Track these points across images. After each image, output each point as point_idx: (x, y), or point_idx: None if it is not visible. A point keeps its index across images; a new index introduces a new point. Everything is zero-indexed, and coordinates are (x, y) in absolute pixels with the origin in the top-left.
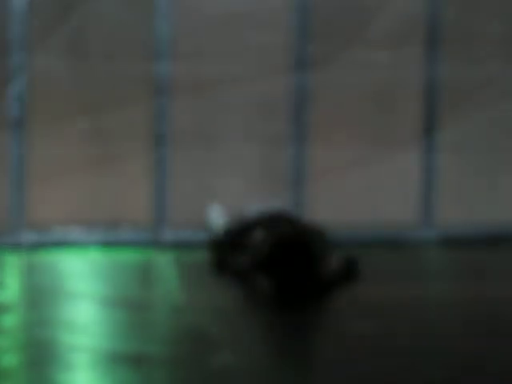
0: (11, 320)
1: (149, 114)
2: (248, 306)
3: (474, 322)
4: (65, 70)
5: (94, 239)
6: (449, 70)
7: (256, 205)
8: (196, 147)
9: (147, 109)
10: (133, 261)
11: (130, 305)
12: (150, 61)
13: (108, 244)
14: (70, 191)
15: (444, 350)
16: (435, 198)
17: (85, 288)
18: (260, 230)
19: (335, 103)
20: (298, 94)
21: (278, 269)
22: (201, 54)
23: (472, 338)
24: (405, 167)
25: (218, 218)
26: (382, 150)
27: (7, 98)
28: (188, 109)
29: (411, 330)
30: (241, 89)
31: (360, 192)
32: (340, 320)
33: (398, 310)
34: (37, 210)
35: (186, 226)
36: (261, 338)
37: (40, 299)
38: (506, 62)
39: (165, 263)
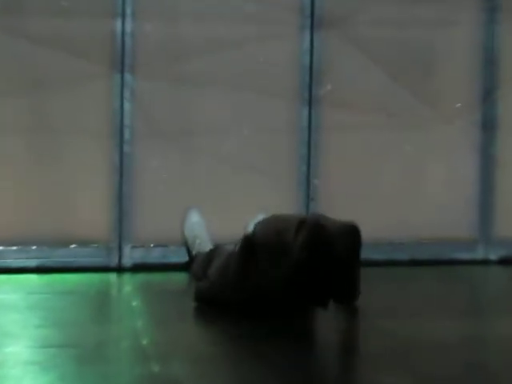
0: None
1: (107, 93)
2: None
3: None
4: None
5: (33, 263)
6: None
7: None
8: (172, 140)
9: (106, 86)
10: (85, 289)
11: (80, 350)
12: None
13: (51, 269)
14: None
15: None
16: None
17: (19, 326)
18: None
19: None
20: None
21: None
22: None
23: None
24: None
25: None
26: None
27: None
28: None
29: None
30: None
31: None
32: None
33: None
34: None
35: (155, 245)
36: None
37: None
38: None
39: (127, 292)
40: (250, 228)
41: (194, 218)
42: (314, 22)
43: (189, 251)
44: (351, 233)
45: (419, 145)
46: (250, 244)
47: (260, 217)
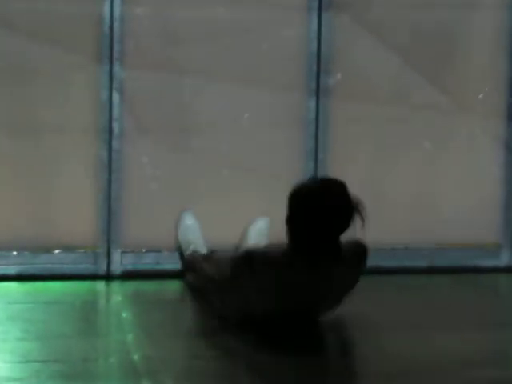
0: None
1: (94, 85)
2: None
3: None
4: None
5: (13, 270)
6: None
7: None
8: (166, 136)
9: (93, 77)
10: (70, 299)
11: (65, 366)
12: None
13: (33, 276)
14: None
15: None
16: None
17: None
18: None
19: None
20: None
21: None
22: None
23: None
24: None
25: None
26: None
27: None
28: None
29: None
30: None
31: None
32: None
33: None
34: None
35: (147, 250)
36: None
37: None
38: None
39: (116, 302)
40: (251, 241)
41: (189, 220)
42: (321, 3)
43: (182, 257)
44: None
45: (438, 140)
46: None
47: (260, 223)
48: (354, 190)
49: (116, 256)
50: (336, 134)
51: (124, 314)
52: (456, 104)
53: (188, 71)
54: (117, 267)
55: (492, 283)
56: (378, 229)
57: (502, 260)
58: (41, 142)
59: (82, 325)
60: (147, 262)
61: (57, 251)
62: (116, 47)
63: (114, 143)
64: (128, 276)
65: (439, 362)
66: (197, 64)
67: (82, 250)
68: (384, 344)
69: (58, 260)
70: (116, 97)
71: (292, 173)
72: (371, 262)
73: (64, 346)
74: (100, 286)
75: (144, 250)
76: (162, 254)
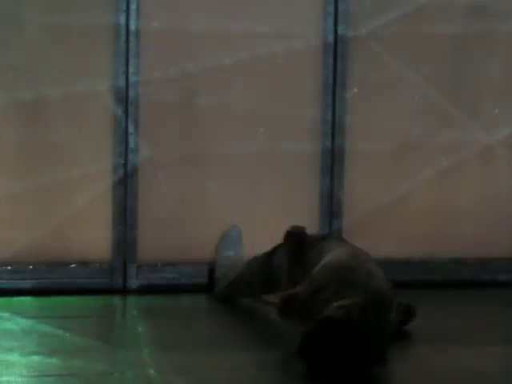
0: None
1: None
2: None
3: None
4: None
5: (28, 284)
6: None
7: None
8: (181, 148)
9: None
10: (86, 314)
11: (81, 380)
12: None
13: (49, 290)
14: None
15: None
16: None
17: (14, 354)
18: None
19: None
20: None
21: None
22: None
23: None
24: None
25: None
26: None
27: None
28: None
29: None
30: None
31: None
32: None
33: None
34: None
35: (163, 264)
36: None
37: None
38: None
39: (132, 316)
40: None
41: (236, 236)
42: (337, 15)
43: (213, 271)
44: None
45: (455, 154)
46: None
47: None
48: (370, 204)
49: (132, 270)
50: (352, 148)
51: (140, 328)
52: (472, 119)
53: (203, 84)
54: (133, 281)
55: (508, 298)
56: (394, 242)
57: None
58: (56, 157)
59: (97, 339)
60: (163, 277)
61: (72, 265)
62: (131, 61)
63: (130, 156)
64: (144, 290)
65: (458, 375)
66: (212, 77)
67: (98, 264)
68: (403, 357)
69: (73, 274)
70: (132, 110)
71: (309, 187)
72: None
73: (80, 360)
74: (116, 300)
75: (160, 265)
76: (179, 268)
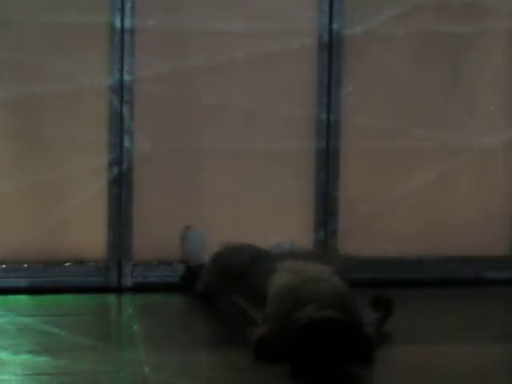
0: None
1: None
2: None
3: None
4: None
5: (23, 282)
6: None
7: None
8: (176, 148)
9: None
10: (81, 312)
11: (76, 379)
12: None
13: (44, 289)
14: None
15: None
16: None
17: (8, 352)
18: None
19: None
20: None
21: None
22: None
23: None
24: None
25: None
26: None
27: None
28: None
29: None
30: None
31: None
32: None
33: None
34: None
35: (158, 262)
36: None
37: None
38: None
39: (127, 314)
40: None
41: (194, 237)
42: (332, 13)
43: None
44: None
45: (448, 153)
46: None
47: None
48: (365, 202)
49: (127, 269)
50: (348, 147)
51: (135, 327)
52: (467, 117)
53: (199, 84)
54: (128, 280)
55: (500, 296)
56: (388, 241)
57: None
58: (50, 154)
59: (92, 338)
60: (158, 275)
61: (67, 264)
62: (126, 59)
63: (125, 155)
64: (139, 288)
65: (449, 373)
66: (208, 77)
67: (93, 263)
68: (392, 356)
69: (68, 273)
70: (126, 108)
71: (304, 186)
72: (380, 273)
73: (75, 358)
74: (111, 298)
75: (155, 263)
76: (173, 266)
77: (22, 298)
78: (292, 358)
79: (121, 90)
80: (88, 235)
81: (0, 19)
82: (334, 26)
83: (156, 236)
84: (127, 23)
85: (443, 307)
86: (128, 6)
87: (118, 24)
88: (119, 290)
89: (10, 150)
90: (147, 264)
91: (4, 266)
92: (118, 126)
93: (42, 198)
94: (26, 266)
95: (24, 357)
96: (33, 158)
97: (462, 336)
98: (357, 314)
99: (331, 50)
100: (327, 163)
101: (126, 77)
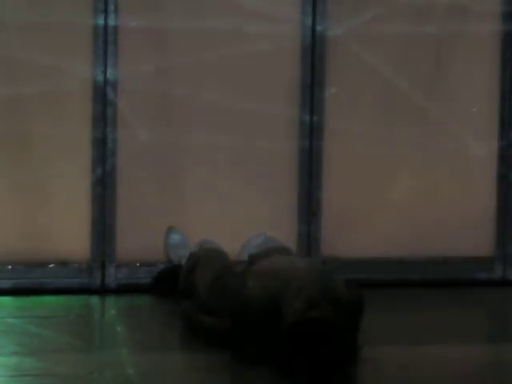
0: None
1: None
2: None
3: None
4: None
5: (6, 284)
6: None
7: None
8: (160, 148)
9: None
10: (64, 313)
11: (59, 380)
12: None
13: (27, 290)
14: None
15: None
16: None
17: None
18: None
19: None
20: None
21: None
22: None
23: None
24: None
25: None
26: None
27: None
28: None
29: None
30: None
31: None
32: None
33: None
34: None
35: (141, 263)
36: None
37: None
38: None
39: (111, 316)
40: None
41: (177, 238)
42: (315, 15)
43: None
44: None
45: (432, 154)
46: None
47: (257, 240)
48: (348, 203)
49: (110, 270)
50: (331, 148)
51: (118, 328)
52: (450, 118)
53: (182, 83)
54: (111, 281)
55: (485, 297)
56: (372, 242)
57: (496, 273)
58: (32, 155)
59: (76, 339)
60: (141, 276)
61: (51, 265)
62: (110, 59)
63: (108, 156)
64: (122, 290)
65: (433, 374)
66: (190, 77)
67: (77, 264)
68: (374, 357)
69: (52, 274)
70: (110, 110)
71: (288, 186)
72: (364, 274)
73: (58, 360)
74: (94, 300)
75: (138, 264)
76: (157, 267)
77: (6, 299)
78: (280, 356)
79: (105, 90)
80: (72, 237)
81: None
82: (318, 27)
83: (140, 237)
84: (111, 23)
85: (428, 308)
86: (111, 7)
87: (101, 23)
88: (103, 291)
89: None
90: (131, 265)
91: None
92: (102, 126)
93: (25, 200)
94: (9, 267)
95: (8, 358)
96: (16, 159)
97: (447, 336)
98: (335, 288)
99: (314, 51)
100: (310, 164)
101: (110, 77)
